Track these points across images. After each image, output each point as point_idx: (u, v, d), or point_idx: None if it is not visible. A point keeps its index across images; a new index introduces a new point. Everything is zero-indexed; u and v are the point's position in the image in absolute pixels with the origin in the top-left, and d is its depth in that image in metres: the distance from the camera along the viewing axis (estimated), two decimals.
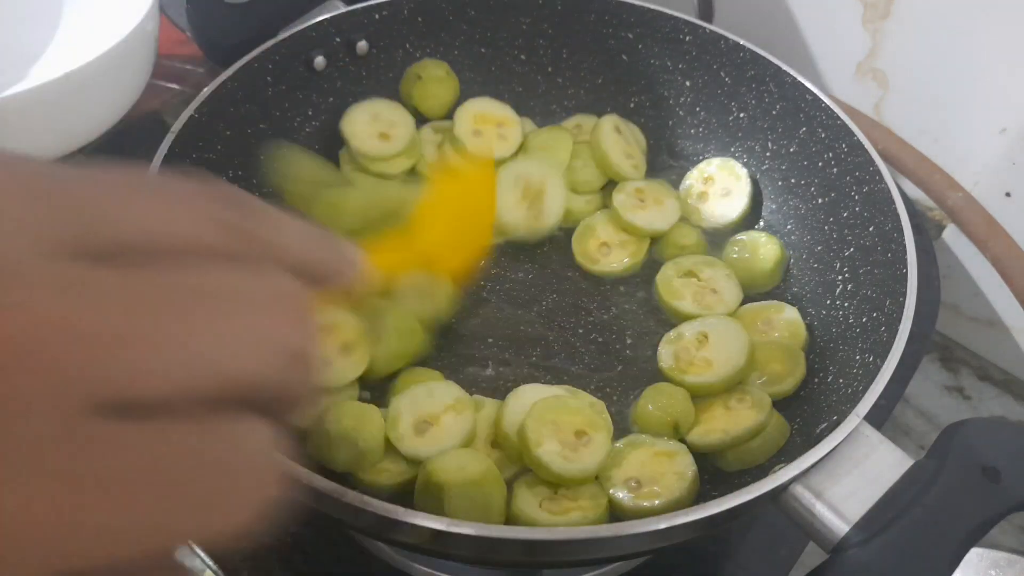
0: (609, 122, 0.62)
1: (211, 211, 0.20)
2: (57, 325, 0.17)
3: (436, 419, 0.47)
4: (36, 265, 0.17)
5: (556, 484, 0.46)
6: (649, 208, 0.60)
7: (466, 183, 0.49)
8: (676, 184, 0.63)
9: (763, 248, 0.57)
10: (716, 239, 0.61)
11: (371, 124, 0.61)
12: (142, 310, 0.18)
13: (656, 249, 0.60)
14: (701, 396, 0.50)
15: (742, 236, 0.59)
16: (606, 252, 0.59)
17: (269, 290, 0.20)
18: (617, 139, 0.62)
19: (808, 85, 0.57)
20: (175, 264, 0.19)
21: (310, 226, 0.23)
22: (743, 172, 0.60)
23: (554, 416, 0.46)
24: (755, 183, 0.61)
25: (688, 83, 0.64)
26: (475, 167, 0.53)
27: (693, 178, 0.62)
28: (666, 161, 0.65)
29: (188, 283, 0.19)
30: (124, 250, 0.19)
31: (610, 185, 0.62)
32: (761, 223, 0.61)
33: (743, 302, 0.56)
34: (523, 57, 0.66)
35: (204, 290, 0.19)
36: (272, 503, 0.20)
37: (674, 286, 0.56)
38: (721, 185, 0.61)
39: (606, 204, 0.61)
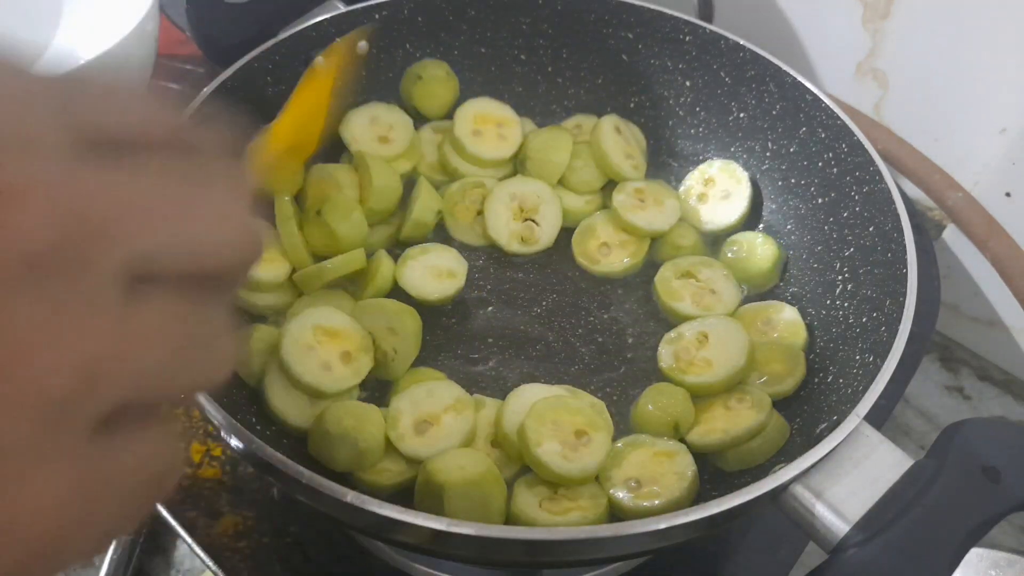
0: (609, 122, 0.62)
1: (162, 111, 0.24)
2: (89, 200, 0.19)
3: (436, 419, 0.47)
4: (60, 151, 0.20)
5: (556, 484, 0.46)
6: (649, 208, 0.60)
7: (311, 87, 0.52)
8: (676, 184, 0.63)
9: (760, 248, 0.57)
10: (714, 240, 0.61)
11: (370, 127, 0.61)
12: (151, 194, 0.21)
13: (654, 249, 0.60)
14: (701, 396, 0.50)
15: (739, 236, 0.59)
16: (606, 252, 0.59)
17: (224, 175, 0.24)
18: (617, 139, 0.62)
19: (808, 85, 0.57)
20: (155, 157, 0.22)
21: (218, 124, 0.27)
22: (744, 176, 0.60)
23: (554, 416, 0.46)
24: (755, 186, 0.61)
25: (688, 83, 0.64)
26: (319, 74, 0.54)
27: (694, 179, 0.62)
28: (666, 161, 0.65)
29: (176, 172, 0.22)
30: (108, 142, 0.21)
31: (610, 185, 0.62)
32: (761, 224, 0.61)
33: (741, 302, 0.56)
34: (523, 57, 0.66)
35: (187, 178, 0.23)
36: (237, 360, 0.25)
37: (673, 287, 0.56)
38: (721, 187, 0.61)
39: (606, 204, 0.62)
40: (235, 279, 0.25)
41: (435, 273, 0.55)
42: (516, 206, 0.59)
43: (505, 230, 0.59)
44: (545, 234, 0.59)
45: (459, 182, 0.60)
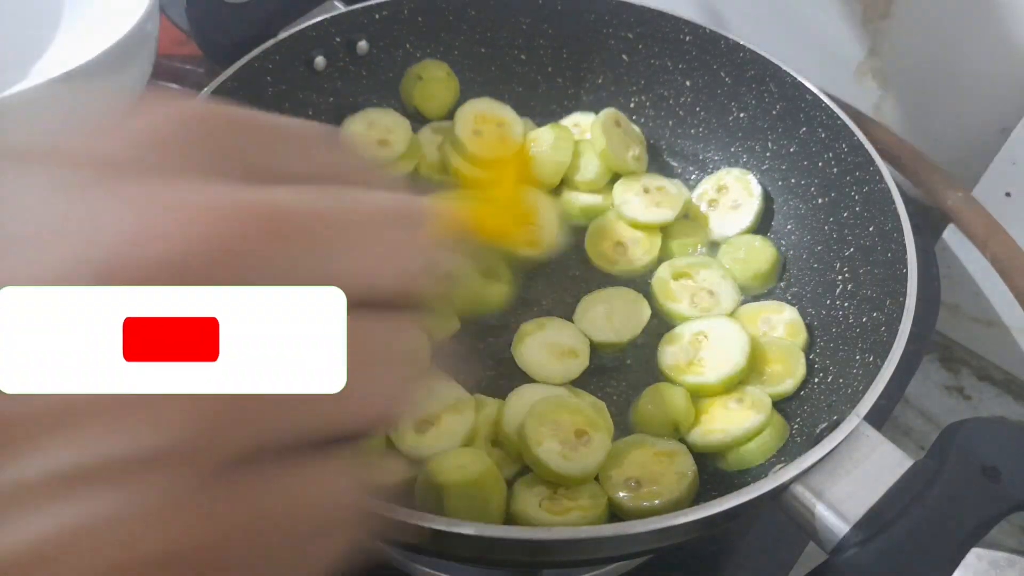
0: (609, 116, 0.62)
1: (334, 154, 0.23)
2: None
3: (436, 419, 0.47)
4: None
5: (556, 484, 0.46)
6: (651, 201, 0.60)
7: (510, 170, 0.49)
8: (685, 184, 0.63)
9: (758, 251, 0.57)
10: (713, 242, 0.61)
11: (368, 133, 0.61)
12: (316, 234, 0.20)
13: (665, 246, 0.60)
14: (701, 396, 0.50)
15: (737, 238, 0.59)
16: (622, 252, 0.59)
17: (400, 208, 0.23)
18: (618, 132, 0.62)
19: (808, 85, 0.57)
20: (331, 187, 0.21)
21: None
22: (758, 190, 0.59)
23: (554, 415, 0.46)
24: (767, 200, 0.60)
25: (688, 83, 0.64)
26: (512, 155, 0.53)
27: (709, 183, 0.62)
28: (666, 161, 0.65)
29: (346, 204, 0.21)
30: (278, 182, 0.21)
31: (614, 183, 0.62)
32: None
33: (739, 303, 0.56)
34: (523, 57, 0.66)
35: (357, 210, 0.21)
36: (357, 545, 0.21)
37: (670, 288, 0.56)
38: (733, 196, 0.60)
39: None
40: (375, 430, 0.22)
41: (556, 352, 0.53)
42: None
43: None
44: (548, 234, 0.58)
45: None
